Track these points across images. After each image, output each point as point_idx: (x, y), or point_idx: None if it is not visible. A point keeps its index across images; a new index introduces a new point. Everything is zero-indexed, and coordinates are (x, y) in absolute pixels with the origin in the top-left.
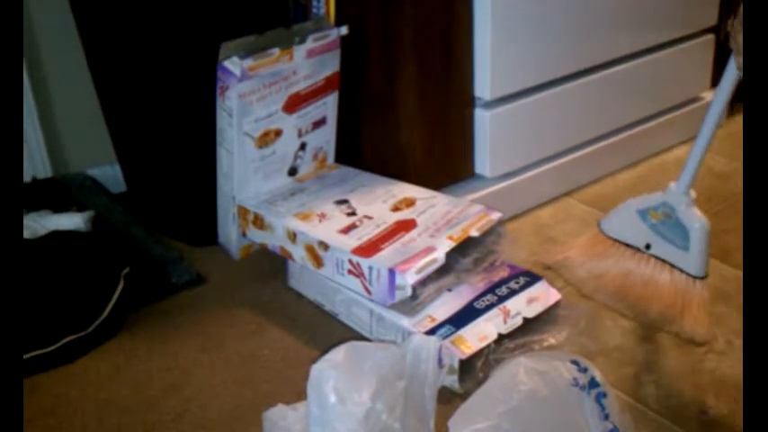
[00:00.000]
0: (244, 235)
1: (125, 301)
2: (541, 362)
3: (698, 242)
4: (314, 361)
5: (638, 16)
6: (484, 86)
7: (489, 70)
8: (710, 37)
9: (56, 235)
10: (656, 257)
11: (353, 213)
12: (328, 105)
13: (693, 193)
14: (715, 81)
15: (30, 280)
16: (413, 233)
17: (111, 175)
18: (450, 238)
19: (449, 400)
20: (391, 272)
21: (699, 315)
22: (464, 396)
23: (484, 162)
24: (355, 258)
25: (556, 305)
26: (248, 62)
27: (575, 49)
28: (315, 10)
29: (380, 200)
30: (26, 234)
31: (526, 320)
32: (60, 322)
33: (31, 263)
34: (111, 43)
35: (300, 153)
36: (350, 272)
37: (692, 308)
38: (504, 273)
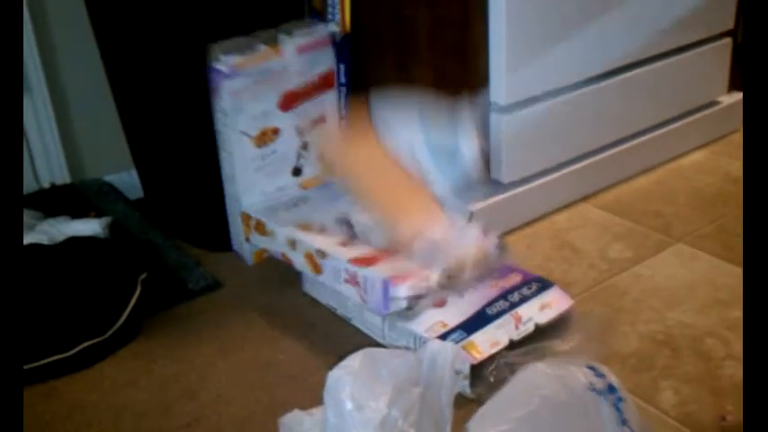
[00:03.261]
0: (247, 240)
1: (142, 306)
2: (559, 367)
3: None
4: (330, 367)
5: (655, 20)
6: (499, 91)
7: (505, 75)
8: (728, 41)
9: (74, 241)
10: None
11: (354, 236)
12: (326, 104)
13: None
14: (732, 85)
15: (48, 285)
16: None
17: (128, 181)
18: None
19: (461, 404)
20: (385, 283)
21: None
22: (476, 401)
23: (499, 167)
24: (351, 268)
25: (569, 311)
26: (235, 59)
27: (590, 53)
28: (330, 17)
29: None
30: (44, 240)
31: (538, 327)
32: (78, 328)
33: (49, 268)
34: (128, 51)
35: (303, 152)
36: (346, 281)
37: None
38: (516, 279)
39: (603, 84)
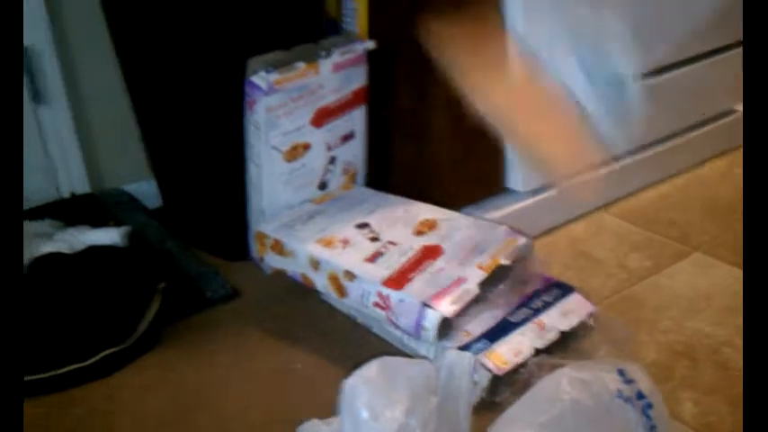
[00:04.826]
0: (261, 260)
1: (162, 315)
2: (586, 371)
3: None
4: (346, 376)
5: (672, 29)
6: None
7: None
8: None
9: (93, 250)
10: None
11: (377, 239)
12: (356, 119)
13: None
14: None
15: (67, 294)
16: (440, 261)
17: (147, 190)
18: (480, 267)
19: (484, 409)
20: (423, 307)
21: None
22: (500, 406)
23: (516, 176)
24: (385, 291)
25: (590, 317)
26: (275, 76)
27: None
28: (346, 25)
29: (401, 222)
30: (64, 249)
31: (562, 334)
32: (97, 336)
33: (69, 277)
34: (146, 61)
35: (330, 167)
36: (376, 304)
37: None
38: (537, 284)
39: None
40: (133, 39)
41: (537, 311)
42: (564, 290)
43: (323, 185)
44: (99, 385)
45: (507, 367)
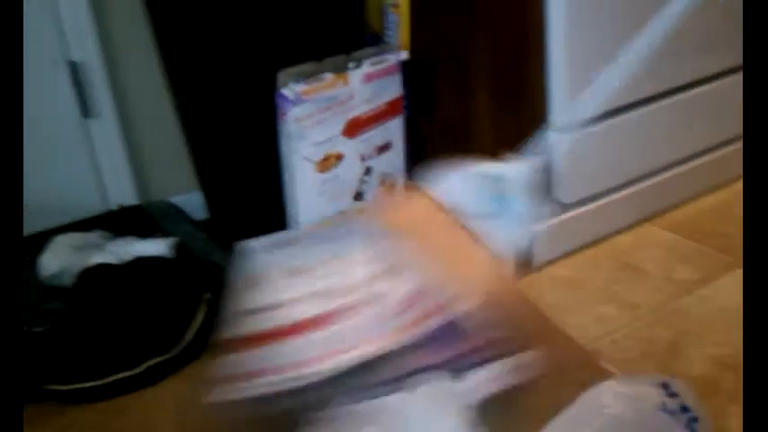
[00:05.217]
0: None
1: (207, 325)
2: (629, 385)
3: (526, 225)
4: None
5: (719, 37)
6: (559, 110)
7: (565, 93)
8: None
9: (141, 261)
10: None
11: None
12: (392, 130)
13: (537, 176)
14: None
15: (115, 304)
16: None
17: (194, 202)
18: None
19: None
20: None
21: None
22: None
23: (561, 187)
24: None
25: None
26: (301, 87)
27: (653, 71)
28: (387, 38)
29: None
30: (112, 259)
31: None
32: (144, 345)
33: (117, 287)
34: (192, 74)
35: (366, 178)
36: None
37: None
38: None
39: (667, 102)
40: (179, 53)
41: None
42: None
43: (358, 196)
44: (146, 394)
45: None
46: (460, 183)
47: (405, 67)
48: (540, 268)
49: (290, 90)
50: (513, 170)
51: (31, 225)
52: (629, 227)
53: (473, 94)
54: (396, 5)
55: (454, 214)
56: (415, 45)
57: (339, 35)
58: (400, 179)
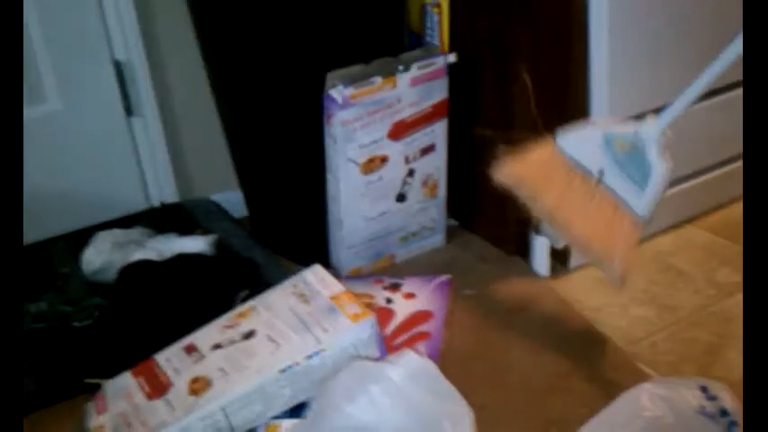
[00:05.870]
0: None
1: None
2: (667, 388)
3: (657, 185)
4: None
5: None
6: (601, 110)
7: (606, 93)
8: None
9: (181, 257)
10: (607, 187)
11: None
12: (437, 132)
13: (669, 134)
14: None
15: (155, 300)
16: None
17: (234, 200)
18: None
19: None
20: None
21: (627, 256)
22: None
23: None
24: None
25: None
26: (350, 90)
27: (695, 72)
28: (428, 38)
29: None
30: (153, 256)
31: None
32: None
33: (157, 283)
34: (234, 74)
35: (409, 179)
36: None
37: (623, 248)
38: None
39: (707, 103)
40: (222, 53)
41: None
42: None
43: (401, 198)
44: None
45: None
46: (589, 141)
47: (449, 68)
48: (579, 269)
49: (337, 93)
50: (644, 128)
51: (74, 221)
52: (670, 228)
53: (514, 95)
54: (437, 5)
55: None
56: (456, 45)
57: (380, 36)
58: (442, 180)
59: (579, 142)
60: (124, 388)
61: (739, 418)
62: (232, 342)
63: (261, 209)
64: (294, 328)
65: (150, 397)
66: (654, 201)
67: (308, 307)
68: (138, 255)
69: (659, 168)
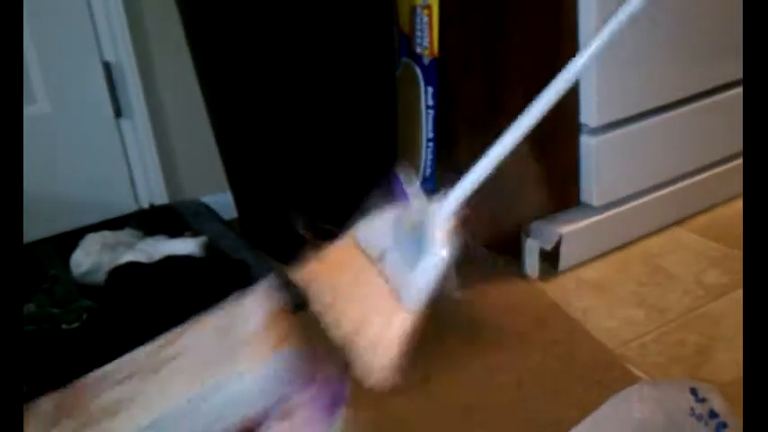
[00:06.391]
0: None
1: None
2: (657, 389)
3: (427, 273)
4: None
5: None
6: (590, 113)
7: (595, 96)
8: None
9: (170, 260)
10: (388, 271)
11: None
12: None
13: (462, 212)
14: None
15: (143, 302)
16: None
17: (223, 201)
18: None
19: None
20: None
21: (393, 346)
22: None
23: (590, 190)
24: None
25: None
26: None
27: (685, 73)
28: (418, 40)
29: None
30: (143, 258)
31: None
32: None
33: (146, 286)
34: (224, 76)
35: None
36: None
37: (391, 336)
38: None
39: (698, 104)
40: (212, 54)
41: None
42: None
43: None
44: None
45: None
46: (383, 223)
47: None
48: (568, 271)
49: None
50: (432, 206)
51: (63, 223)
52: (659, 230)
53: (503, 94)
54: (427, 7)
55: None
56: (446, 45)
57: (369, 37)
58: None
59: (374, 226)
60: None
61: (729, 419)
62: (152, 367)
63: (251, 211)
64: (207, 359)
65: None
66: (425, 290)
67: (225, 338)
68: (128, 256)
69: (434, 254)
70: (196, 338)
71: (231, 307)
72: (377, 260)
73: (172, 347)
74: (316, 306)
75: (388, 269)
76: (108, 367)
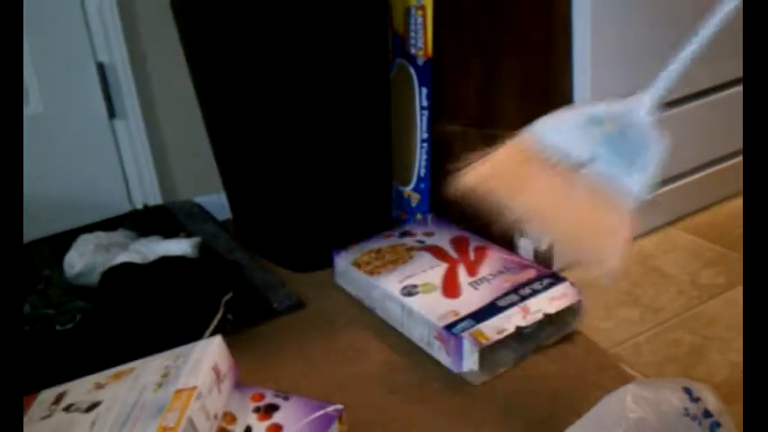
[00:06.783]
0: None
1: (222, 326)
2: (651, 389)
3: (656, 162)
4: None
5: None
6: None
7: (590, 95)
8: None
9: (164, 260)
10: (596, 173)
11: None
12: None
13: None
14: None
15: (137, 303)
16: None
17: (217, 202)
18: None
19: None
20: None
21: (621, 248)
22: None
23: None
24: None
25: (578, 303)
26: None
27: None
28: (412, 41)
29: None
30: (137, 258)
31: (546, 315)
32: (165, 344)
33: (140, 287)
34: (218, 77)
35: None
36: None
37: (617, 239)
38: (530, 274)
39: (692, 105)
40: (206, 55)
41: (524, 297)
42: (556, 279)
43: None
44: None
45: (488, 342)
46: (571, 126)
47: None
48: (562, 271)
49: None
50: (635, 104)
51: (57, 223)
52: (654, 230)
53: (498, 96)
54: (421, 8)
55: (561, 163)
56: (440, 46)
57: (364, 39)
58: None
59: (560, 128)
60: None
61: (722, 418)
62: (77, 408)
63: (244, 211)
64: (119, 421)
65: None
66: (653, 179)
67: (152, 396)
68: (122, 257)
69: (657, 143)
70: (123, 391)
71: (175, 358)
72: (578, 163)
73: (105, 390)
74: (512, 210)
75: (599, 170)
76: (43, 395)
